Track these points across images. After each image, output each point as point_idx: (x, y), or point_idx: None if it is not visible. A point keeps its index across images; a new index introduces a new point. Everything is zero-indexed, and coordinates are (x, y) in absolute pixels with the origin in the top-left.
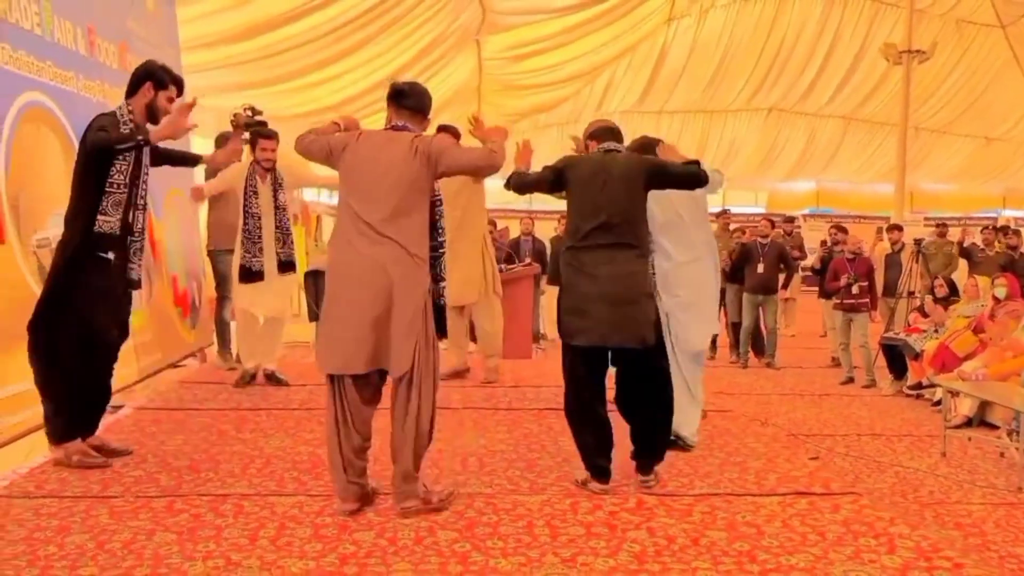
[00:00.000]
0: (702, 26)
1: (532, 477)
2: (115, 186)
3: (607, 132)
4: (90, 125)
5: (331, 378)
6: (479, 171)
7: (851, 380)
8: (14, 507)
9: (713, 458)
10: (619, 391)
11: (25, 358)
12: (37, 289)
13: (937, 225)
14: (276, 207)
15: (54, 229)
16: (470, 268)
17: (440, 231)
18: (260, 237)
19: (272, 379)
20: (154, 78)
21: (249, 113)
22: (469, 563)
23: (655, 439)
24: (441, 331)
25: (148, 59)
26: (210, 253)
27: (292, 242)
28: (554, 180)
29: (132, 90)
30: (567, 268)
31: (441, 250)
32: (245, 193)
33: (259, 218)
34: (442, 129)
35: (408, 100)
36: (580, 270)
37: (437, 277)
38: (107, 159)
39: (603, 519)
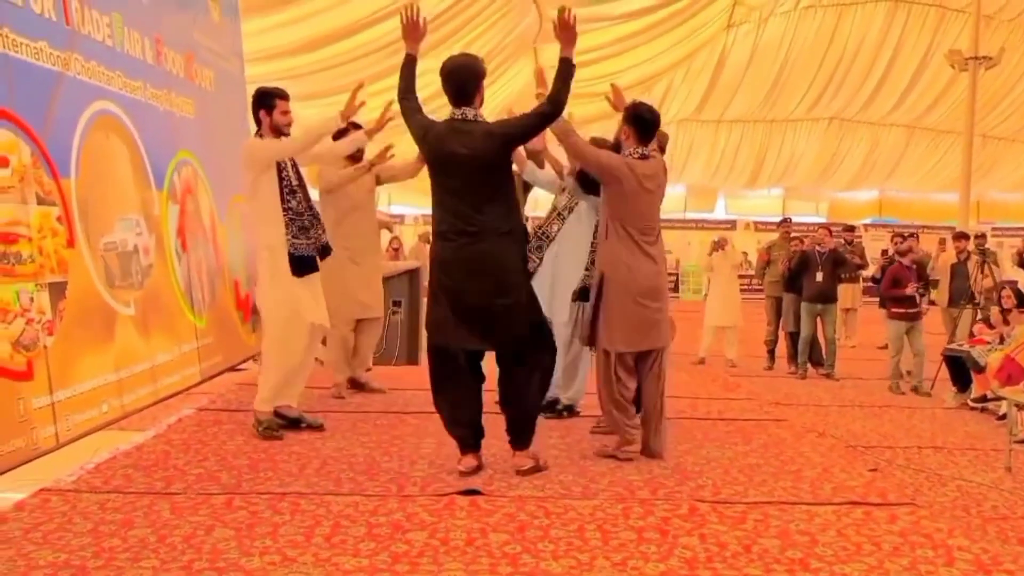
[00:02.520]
0: (762, 33)
1: (584, 482)
2: None
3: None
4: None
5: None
6: None
7: (915, 390)
8: (81, 501)
9: (768, 467)
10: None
11: (95, 357)
12: (104, 291)
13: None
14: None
15: (121, 234)
16: (375, 278)
17: None
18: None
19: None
20: None
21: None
22: (520, 564)
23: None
24: None
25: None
26: None
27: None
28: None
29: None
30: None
31: None
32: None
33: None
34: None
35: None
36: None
37: None
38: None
39: (655, 524)
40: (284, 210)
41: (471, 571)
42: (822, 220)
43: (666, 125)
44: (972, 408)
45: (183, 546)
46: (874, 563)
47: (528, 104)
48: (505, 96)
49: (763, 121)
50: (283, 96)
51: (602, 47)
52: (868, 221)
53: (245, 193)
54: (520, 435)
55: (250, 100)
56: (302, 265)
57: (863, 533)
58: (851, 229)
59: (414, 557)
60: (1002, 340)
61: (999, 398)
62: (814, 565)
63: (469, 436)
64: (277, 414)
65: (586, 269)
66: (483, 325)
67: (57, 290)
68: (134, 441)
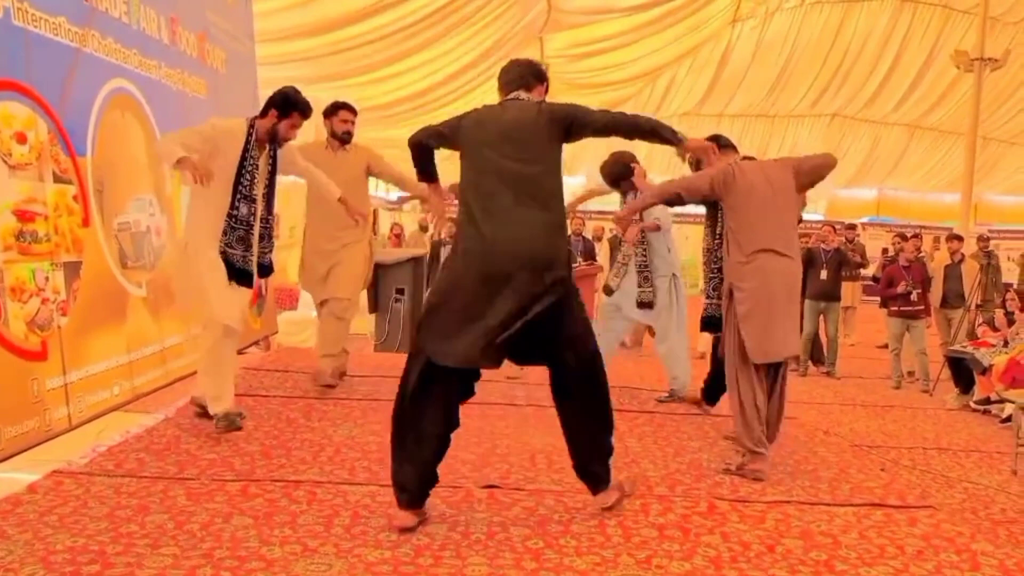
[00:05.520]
0: (767, 29)
1: None
2: None
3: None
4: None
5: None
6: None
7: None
8: (95, 484)
9: (783, 465)
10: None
11: (107, 338)
12: (117, 272)
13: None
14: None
15: (134, 214)
16: (360, 263)
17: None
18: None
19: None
20: None
21: None
22: (543, 560)
23: None
24: None
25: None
26: None
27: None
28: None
29: None
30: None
31: None
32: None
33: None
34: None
35: None
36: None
37: None
38: None
39: (675, 522)
40: (229, 215)
41: (495, 566)
42: (820, 217)
43: (668, 118)
44: (974, 410)
45: (202, 533)
46: (899, 566)
47: None
48: None
49: (765, 116)
50: (304, 113)
51: (608, 38)
52: (866, 220)
53: None
54: None
55: (271, 92)
56: (238, 276)
57: (885, 535)
58: (852, 227)
59: (436, 550)
60: (1006, 343)
61: (1003, 400)
62: (839, 567)
63: None
64: (199, 403)
65: (707, 297)
66: None
67: (72, 270)
68: (144, 424)
